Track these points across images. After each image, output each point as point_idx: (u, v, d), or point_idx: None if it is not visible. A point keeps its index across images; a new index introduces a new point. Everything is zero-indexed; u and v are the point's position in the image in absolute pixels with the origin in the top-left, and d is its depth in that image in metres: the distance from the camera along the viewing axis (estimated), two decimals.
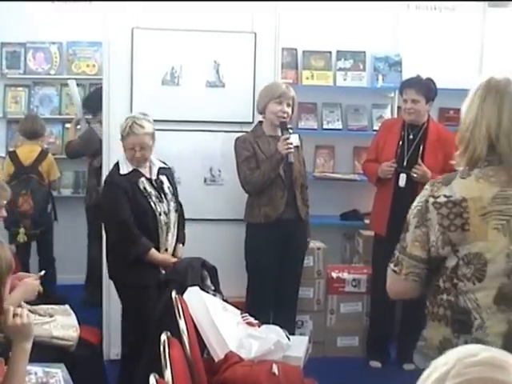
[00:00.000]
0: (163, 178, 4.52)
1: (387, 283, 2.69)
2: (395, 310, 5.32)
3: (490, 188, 2.43)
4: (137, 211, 4.30)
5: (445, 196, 2.46)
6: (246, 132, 5.06)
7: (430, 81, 5.15)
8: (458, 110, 6.19)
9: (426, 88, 5.09)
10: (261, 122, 5.04)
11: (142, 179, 4.38)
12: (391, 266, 2.64)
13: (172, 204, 4.47)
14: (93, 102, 6.31)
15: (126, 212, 4.27)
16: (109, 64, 5.27)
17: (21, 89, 7.20)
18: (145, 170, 4.45)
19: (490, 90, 2.51)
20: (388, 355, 5.38)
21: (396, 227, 4.37)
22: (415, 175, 4.98)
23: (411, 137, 5.15)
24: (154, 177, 4.47)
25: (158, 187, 4.45)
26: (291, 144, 4.80)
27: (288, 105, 4.92)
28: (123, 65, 5.23)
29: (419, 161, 5.02)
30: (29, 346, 2.68)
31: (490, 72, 2.61)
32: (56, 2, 6.94)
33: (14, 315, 2.66)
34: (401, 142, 5.15)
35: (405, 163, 5.10)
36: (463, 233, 2.43)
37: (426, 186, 2.55)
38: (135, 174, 4.39)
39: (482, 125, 2.46)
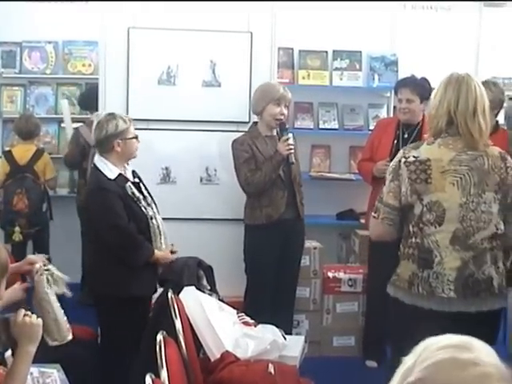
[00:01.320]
0: (138, 180, 4.41)
1: (369, 228, 3.46)
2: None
3: (448, 152, 3.18)
4: (133, 217, 4.17)
5: (414, 157, 3.20)
6: (243, 131, 5.06)
7: (424, 80, 5.15)
8: None
9: (421, 87, 5.09)
10: (255, 123, 5.04)
11: (129, 184, 4.22)
12: (372, 213, 3.37)
13: (154, 207, 4.36)
14: (89, 100, 6.32)
15: (124, 219, 4.13)
16: (105, 63, 5.27)
17: (16, 88, 7.19)
18: (127, 173, 4.31)
19: (451, 81, 3.27)
20: (384, 355, 5.37)
21: None
22: None
23: (406, 136, 5.15)
24: (132, 179, 4.32)
25: (141, 190, 4.34)
26: (292, 145, 4.80)
27: (285, 106, 4.94)
28: (119, 64, 5.23)
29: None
30: (33, 349, 2.67)
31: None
32: (52, 2, 6.92)
33: (25, 315, 2.67)
34: (395, 141, 5.16)
35: None
36: (426, 185, 3.16)
37: (400, 151, 3.30)
38: (121, 178, 4.22)
39: (444, 105, 3.21)
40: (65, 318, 3.72)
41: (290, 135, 4.90)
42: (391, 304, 3.37)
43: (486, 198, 3.17)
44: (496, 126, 5.16)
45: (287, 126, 4.99)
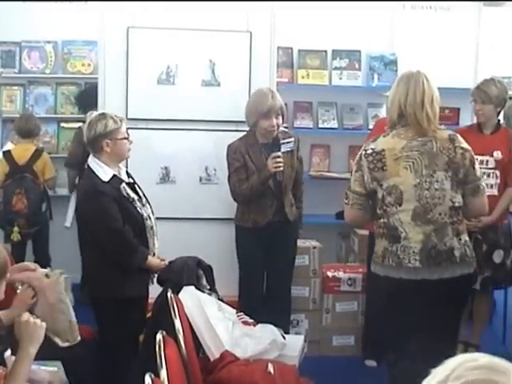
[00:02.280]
0: (132, 180, 4.38)
1: (344, 215, 3.88)
2: None
3: (400, 141, 3.59)
4: (128, 219, 4.15)
5: (371, 149, 3.63)
6: (243, 131, 5.05)
7: None
8: (453, 110, 6.26)
9: None
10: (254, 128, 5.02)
11: (123, 185, 4.18)
12: (344, 200, 3.76)
13: (150, 207, 4.34)
14: (86, 99, 6.31)
15: (119, 222, 4.10)
16: (104, 63, 5.27)
17: (16, 88, 7.19)
18: (121, 174, 4.28)
19: (402, 78, 3.73)
20: (383, 354, 5.37)
21: None
22: None
23: None
24: (126, 180, 4.28)
25: (136, 191, 4.31)
26: (281, 163, 4.77)
27: (277, 116, 4.87)
28: (119, 64, 5.23)
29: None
30: (34, 351, 2.67)
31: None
32: (52, 2, 6.92)
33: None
34: None
35: None
36: (383, 172, 3.58)
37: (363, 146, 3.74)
38: (116, 179, 4.18)
39: (395, 100, 3.65)
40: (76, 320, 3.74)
41: (292, 139, 4.86)
42: (371, 280, 3.95)
43: (437, 176, 3.56)
44: (498, 124, 5.16)
45: (281, 142, 4.88)
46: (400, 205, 3.56)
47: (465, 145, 3.67)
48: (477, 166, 3.70)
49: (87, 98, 6.31)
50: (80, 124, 6.46)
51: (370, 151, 3.62)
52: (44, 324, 2.80)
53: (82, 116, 6.61)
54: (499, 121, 5.25)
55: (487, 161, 4.92)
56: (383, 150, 3.59)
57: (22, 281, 3.58)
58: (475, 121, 5.26)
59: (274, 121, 4.85)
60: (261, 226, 4.91)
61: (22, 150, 6.22)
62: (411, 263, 3.54)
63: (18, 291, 3.61)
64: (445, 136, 3.64)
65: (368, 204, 3.70)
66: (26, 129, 6.28)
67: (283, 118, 4.99)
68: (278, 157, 4.77)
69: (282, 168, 4.79)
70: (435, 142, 3.60)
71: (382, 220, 3.64)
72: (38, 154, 6.25)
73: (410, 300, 3.56)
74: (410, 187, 3.55)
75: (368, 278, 5.38)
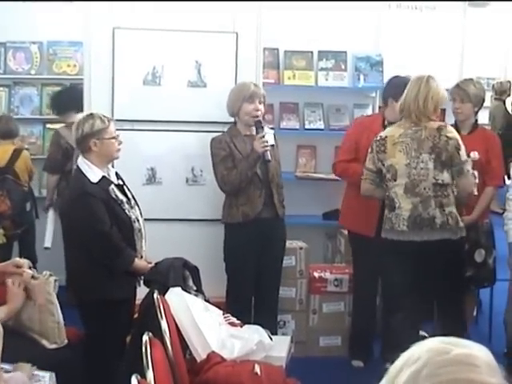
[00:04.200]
0: (122, 182, 4.38)
1: (360, 188, 4.71)
2: (376, 309, 5.34)
3: (399, 130, 4.51)
4: (116, 221, 4.14)
5: (380, 136, 4.56)
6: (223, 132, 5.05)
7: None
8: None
9: None
10: (235, 123, 5.03)
11: (112, 186, 4.18)
12: (362, 176, 4.66)
13: (138, 209, 4.34)
14: (60, 102, 6.27)
15: (107, 224, 4.09)
16: (90, 64, 5.25)
17: (1, 89, 7.16)
18: (110, 176, 4.27)
19: (412, 80, 4.54)
20: (370, 354, 5.39)
21: None
22: None
23: None
24: (116, 182, 4.28)
25: (125, 193, 4.31)
26: (267, 142, 4.79)
27: (260, 102, 4.92)
28: (104, 65, 5.21)
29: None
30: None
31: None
32: (37, 2, 6.90)
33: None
34: None
35: None
36: (384, 154, 4.51)
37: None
38: (105, 181, 4.18)
39: (402, 97, 4.51)
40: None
41: (271, 131, 4.89)
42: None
43: (422, 158, 4.40)
44: (475, 125, 5.21)
45: (263, 124, 4.94)
46: (395, 180, 4.45)
47: (451, 134, 4.45)
48: (462, 151, 4.43)
49: (62, 100, 6.26)
50: (59, 126, 6.42)
51: (378, 138, 4.55)
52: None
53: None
54: (476, 121, 5.29)
55: None
56: (386, 137, 4.53)
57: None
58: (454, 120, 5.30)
59: (258, 105, 4.88)
60: (250, 220, 4.89)
61: (1, 152, 6.17)
62: (400, 227, 4.43)
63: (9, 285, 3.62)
64: (434, 126, 4.45)
65: (377, 180, 4.59)
66: (7, 129, 6.23)
67: (265, 109, 5.02)
68: (263, 136, 4.79)
69: (268, 148, 4.80)
70: (425, 130, 4.43)
71: (386, 193, 4.54)
72: (17, 153, 6.19)
73: (402, 258, 4.43)
74: (402, 166, 4.43)
75: (354, 279, 5.40)
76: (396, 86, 5.07)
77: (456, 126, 5.07)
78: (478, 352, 1.32)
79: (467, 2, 6.42)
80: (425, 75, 4.49)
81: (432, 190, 4.39)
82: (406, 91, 4.49)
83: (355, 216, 5.25)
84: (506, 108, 7.37)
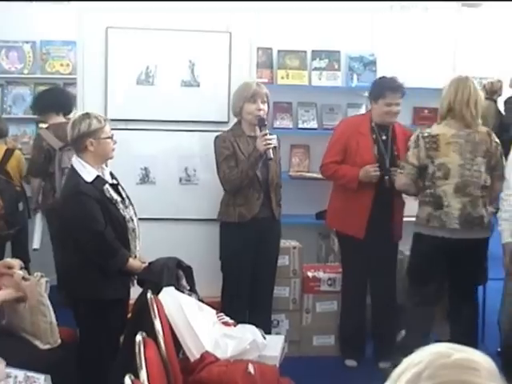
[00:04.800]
0: (116, 181, 4.36)
1: (396, 181, 4.88)
2: (366, 309, 5.34)
3: (450, 130, 4.64)
4: (110, 221, 4.12)
5: (428, 133, 4.67)
6: (223, 131, 5.04)
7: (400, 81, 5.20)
8: (432, 110, 6.29)
9: (403, 89, 5.13)
10: (239, 122, 5.02)
11: (107, 186, 4.16)
12: (399, 170, 4.81)
13: (132, 208, 4.32)
14: (40, 102, 6.23)
15: (101, 224, 4.07)
16: (83, 63, 5.25)
17: None
18: (105, 175, 4.25)
19: (454, 81, 4.70)
20: (363, 354, 5.39)
21: (375, 228, 4.56)
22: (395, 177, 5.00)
23: (384, 138, 5.16)
24: (110, 181, 4.26)
25: (120, 192, 4.29)
26: (270, 140, 4.78)
27: (263, 102, 4.91)
28: (98, 64, 5.21)
29: (398, 162, 5.00)
30: None
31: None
32: (30, 2, 6.88)
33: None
34: (377, 145, 5.13)
35: (386, 165, 5.09)
36: (436, 152, 4.63)
37: (415, 131, 4.82)
38: (99, 180, 4.16)
39: (446, 97, 4.67)
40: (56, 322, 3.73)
41: (274, 136, 4.87)
42: (412, 240, 4.86)
43: (477, 161, 4.62)
44: None
45: (266, 123, 4.93)
46: (446, 179, 4.60)
47: (498, 140, 4.75)
48: (503, 158, 4.72)
49: (43, 101, 6.22)
50: (40, 127, 6.38)
51: (426, 134, 4.65)
52: None
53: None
54: None
55: None
56: (438, 135, 4.63)
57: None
58: None
59: (261, 105, 4.87)
60: (246, 221, 4.90)
61: None
62: (452, 225, 4.60)
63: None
64: (484, 131, 4.72)
65: (416, 177, 4.72)
66: None
67: (268, 109, 5.01)
68: (266, 134, 4.78)
69: (271, 145, 4.78)
70: (477, 134, 4.66)
71: (428, 190, 4.67)
72: (9, 153, 6.17)
73: (443, 255, 4.66)
74: (455, 166, 4.60)
75: (344, 278, 5.39)
76: (373, 89, 5.22)
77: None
78: (479, 357, 1.33)
79: (460, 2, 6.43)
80: (469, 78, 4.69)
81: (480, 191, 4.65)
82: (452, 91, 4.63)
83: (344, 217, 5.25)
84: (497, 108, 7.38)
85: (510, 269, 4.63)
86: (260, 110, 4.88)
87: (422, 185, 4.72)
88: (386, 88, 5.14)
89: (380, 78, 5.31)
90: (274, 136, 4.89)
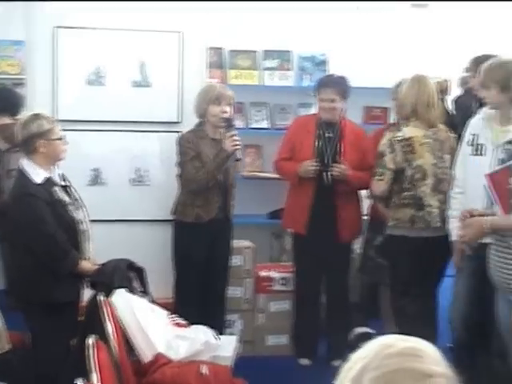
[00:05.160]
0: (67, 183, 4.28)
1: (373, 188, 4.79)
2: (320, 307, 5.37)
3: (419, 131, 4.66)
4: (60, 223, 4.06)
5: (401, 136, 4.63)
6: (174, 131, 5.04)
7: (343, 79, 5.22)
8: (383, 109, 6.35)
9: (342, 87, 5.16)
10: (201, 123, 5.00)
11: (56, 188, 4.09)
12: (377, 177, 4.67)
13: (85, 210, 4.27)
14: None
15: (52, 226, 4.01)
16: (32, 63, 5.18)
17: None
18: (55, 177, 4.18)
19: (413, 82, 4.72)
20: (316, 352, 5.41)
21: (317, 225, 4.54)
22: (335, 173, 5.04)
23: (329, 135, 5.19)
24: (61, 183, 4.20)
25: (70, 194, 4.23)
26: (238, 141, 4.77)
27: (227, 104, 4.91)
28: (46, 64, 5.16)
29: (339, 159, 5.07)
30: None
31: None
32: None
33: None
34: (319, 141, 5.17)
35: (326, 161, 5.13)
36: (412, 154, 4.63)
37: (386, 134, 4.76)
38: (49, 182, 4.09)
39: (408, 99, 4.69)
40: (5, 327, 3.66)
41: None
42: (392, 242, 4.80)
43: (444, 158, 4.71)
44: None
45: (233, 123, 4.93)
46: (424, 179, 4.65)
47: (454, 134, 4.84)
48: None
49: None
50: None
51: (400, 138, 4.64)
52: None
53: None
54: None
55: None
56: (411, 137, 4.64)
57: None
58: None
59: (225, 107, 4.87)
60: (202, 222, 4.89)
61: None
62: (436, 224, 4.64)
63: None
64: (443, 128, 4.83)
65: (392, 181, 4.69)
66: None
67: (233, 111, 5.03)
68: (234, 135, 4.77)
69: (239, 146, 4.78)
70: (441, 132, 4.77)
71: (407, 193, 4.67)
72: None
73: (427, 254, 4.66)
74: (430, 166, 4.66)
75: (295, 277, 5.41)
76: (314, 86, 5.26)
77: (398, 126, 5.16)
78: (422, 345, 1.36)
79: (410, 3, 6.49)
80: (426, 77, 4.75)
81: (448, 187, 4.66)
82: (414, 93, 4.66)
83: (290, 214, 5.31)
84: (445, 107, 7.48)
85: (459, 266, 4.70)
86: (224, 112, 4.87)
87: (398, 188, 4.70)
88: (319, 84, 5.25)
89: (323, 76, 5.36)
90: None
